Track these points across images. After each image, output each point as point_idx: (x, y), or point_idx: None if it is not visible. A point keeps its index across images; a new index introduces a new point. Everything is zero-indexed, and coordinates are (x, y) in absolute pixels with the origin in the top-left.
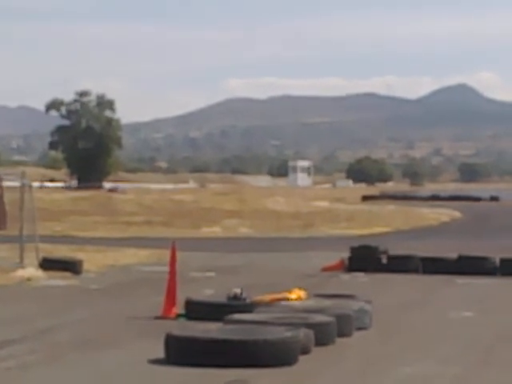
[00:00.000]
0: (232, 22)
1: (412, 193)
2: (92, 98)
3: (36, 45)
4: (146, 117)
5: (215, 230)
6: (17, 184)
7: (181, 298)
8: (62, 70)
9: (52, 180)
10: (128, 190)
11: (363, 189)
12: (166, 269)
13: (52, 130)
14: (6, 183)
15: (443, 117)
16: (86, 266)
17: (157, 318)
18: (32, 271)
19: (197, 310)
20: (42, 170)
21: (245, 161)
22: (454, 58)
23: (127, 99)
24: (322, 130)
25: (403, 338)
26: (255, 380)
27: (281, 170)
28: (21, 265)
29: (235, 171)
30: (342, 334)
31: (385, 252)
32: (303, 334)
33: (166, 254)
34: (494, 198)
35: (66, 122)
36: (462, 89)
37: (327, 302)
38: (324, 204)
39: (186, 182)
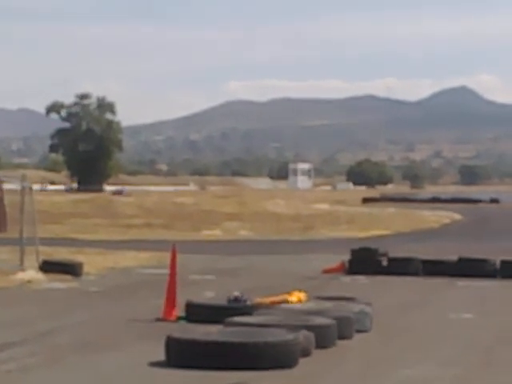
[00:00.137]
0: (232, 22)
1: (412, 195)
2: (92, 100)
3: (36, 45)
4: (146, 119)
5: (215, 233)
6: (17, 187)
7: (181, 301)
8: (62, 70)
9: (52, 183)
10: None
11: (363, 191)
12: (166, 271)
13: (52, 132)
14: (6, 186)
15: (443, 119)
16: (86, 268)
17: (157, 320)
18: (32, 274)
19: (197, 313)
20: (43, 173)
21: (245, 163)
22: (454, 60)
23: (127, 101)
24: (323, 133)
25: (404, 340)
26: (256, 382)
27: (281, 173)
28: (21, 267)
29: (235, 174)
30: (342, 337)
31: (385, 254)
32: (304, 336)
33: (167, 257)
34: (494, 201)
35: (66, 125)
36: (462, 91)
37: (328, 305)
38: (324, 206)
39: (187, 184)
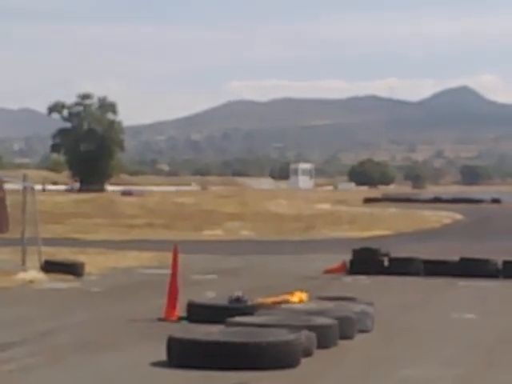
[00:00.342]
0: (232, 22)
1: (414, 195)
2: (94, 100)
3: (36, 45)
4: (147, 119)
5: (217, 233)
6: (19, 187)
7: (183, 301)
8: (62, 70)
9: (54, 183)
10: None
11: (365, 191)
12: (168, 271)
13: (54, 132)
14: (8, 186)
15: (445, 119)
16: (87, 268)
17: (159, 320)
18: (34, 274)
19: (199, 313)
20: (44, 173)
21: (247, 163)
22: (456, 60)
23: (129, 101)
24: (324, 133)
25: (405, 340)
26: (257, 382)
27: (283, 173)
28: (23, 267)
29: (237, 174)
30: (344, 337)
31: (386, 254)
32: (305, 336)
33: (168, 257)
34: (495, 201)
35: (67, 125)
36: (464, 91)
37: (329, 305)
38: (326, 206)
39: (188, 184)
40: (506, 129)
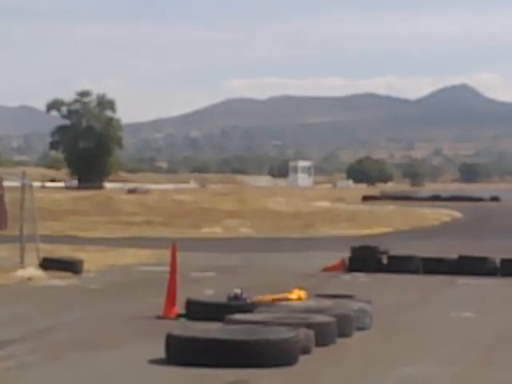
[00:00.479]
0: (232, 21)
1: (412, 193)
2: (92, 98)
3: (36, 45)
4: (146, 117)
5: (215, 231)
6: (17, 184)
7: (181, 298)
8: (62, 69)
9: (53, 180)
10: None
11: (364, 189)
12: (167, 269)
13: (52, 129)
14: (6, 183)
15: (444, 117)
16: (86, 265)
17: (157, 317)
18: (32, 271)
19: (197, 310)
20: (43, 170)
21: (245, 161)
22: (455, 58)
23: (127, 99)
24: (323, 130)
25: (403, 338)
26: (255, 380)
27: (281, 171)
28: (21, 264)
29: (236, 171)
30: (342, 334)
31: (385, 252)
32: (303, 334)
33: (167, 254)
34: (494, 199)
35: (66, 122)
36: (463, 89)
37: (327, 302)
38: (324, 204)
39: (187, 182)
40: (504, 127)
